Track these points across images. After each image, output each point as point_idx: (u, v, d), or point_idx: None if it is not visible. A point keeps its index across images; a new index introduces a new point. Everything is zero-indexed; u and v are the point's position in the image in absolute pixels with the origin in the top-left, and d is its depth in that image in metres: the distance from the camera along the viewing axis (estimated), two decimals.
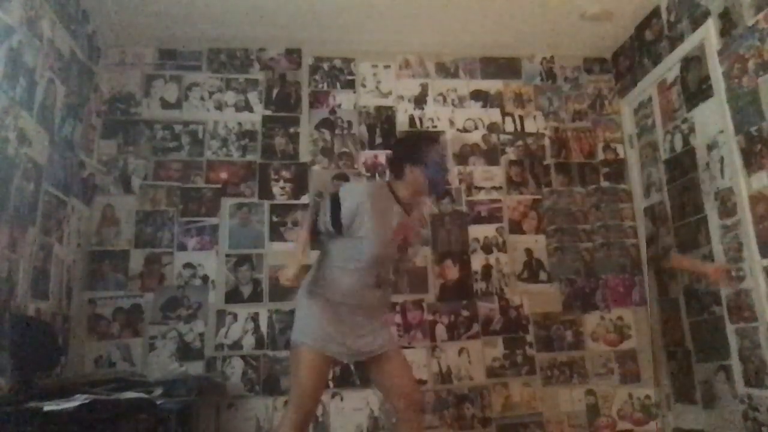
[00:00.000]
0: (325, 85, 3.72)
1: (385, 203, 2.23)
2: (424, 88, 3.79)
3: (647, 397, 3.40)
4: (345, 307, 2.20)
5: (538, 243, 3.60)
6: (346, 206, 2.16)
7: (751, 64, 2.62)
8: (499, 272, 3.50)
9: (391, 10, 3.38)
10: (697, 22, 3.04)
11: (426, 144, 2.32)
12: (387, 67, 3.79)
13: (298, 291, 2.30)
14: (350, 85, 3.74)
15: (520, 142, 3.77)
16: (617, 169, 3.81)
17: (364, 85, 3.74)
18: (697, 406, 3.04)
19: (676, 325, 3.19)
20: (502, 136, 3.77)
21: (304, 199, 3.47)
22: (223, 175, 3.46)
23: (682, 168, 3.20)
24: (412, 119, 3.71)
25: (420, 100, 3.76)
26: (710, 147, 2.98)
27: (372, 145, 3.64)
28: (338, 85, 3.73)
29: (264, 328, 3.24)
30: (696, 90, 3.10)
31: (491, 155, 3.72)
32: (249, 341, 3.21)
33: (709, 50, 2.92)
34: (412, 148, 2.31)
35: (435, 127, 3.71)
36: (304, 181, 3.51)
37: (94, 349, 3.09)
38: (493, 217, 3.60)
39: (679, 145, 3.25)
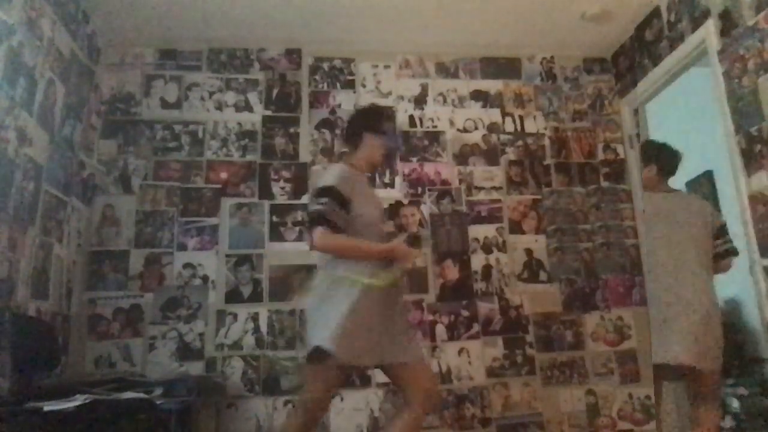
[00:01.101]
0: (325, 85, 3.72)
1: (359, 179, 2.26)
2: (424, 88, 3.79)
3: (647, 397, 3.39)
4: (381, 304, 2.10)
5: (538, 243, 3.60)
6: (345, 192, 2.12)
7: (751, 64, 2.62)
8: (499, 272, 3.50)
9: (391, 10, 3.38)
10: (697, 22, 3.04)
11: (384, 115, 2.39)
12: (387, 67, 3.79)
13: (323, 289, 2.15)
14: (350, 85, 3.73)
15: (520, 142, 3.77)
16: (617, 169, 3.81)
17: (364, 85, 3.74)
18: None
19: None
20: (502, 136, 3.77)
21: (305, 199, 3.46)
22: (223, 175, 3.46)
23: None
24: (412, 119, 3.71)
25: (420, 100, 3.76)
26: None
27: None
28: (338, 85, 3.73)
29: (264, 328, 3.24)
30: None
31: (491, 155, 3.72)
32: (249, 341, 3.21)
33: (709, 50, 2.93)
34: (371, 118, 2.36)
35: (435, 127, 3.71)
36: (304, 181, 3.51)
37: (94, 349, 3.09)
38: (493, 217, 3.60)
39: None
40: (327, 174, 2.24)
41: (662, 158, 2.77)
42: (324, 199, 2.08)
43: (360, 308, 2.04)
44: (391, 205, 3.49)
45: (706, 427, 2.47)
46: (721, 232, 2.65)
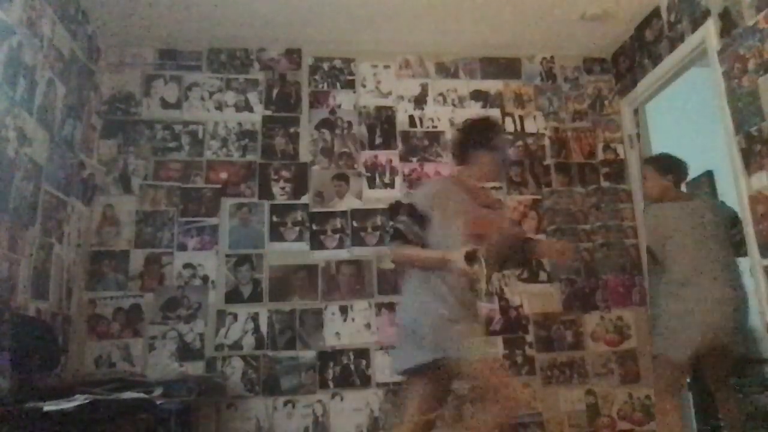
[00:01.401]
0: (325, 85, 3.72)
1: (451, 198, 2.24)
2: (424, 88, 3.79)
3: (647, 397, 3.39)
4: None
5: None
6: (423, 209, 2.19)
7: (751, 64, 2.62)
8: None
9: (391, 10, 3.38)
10: (697, 22, 3.04)
11: (495, 130, 2.39)
12: (387, 67, 3.79)
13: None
14: (350, 85, 3.73)
15: (520, 142, 3.77)
16: (617, 169, 3.81)
17: (364, 85, 3.74)
18: None
19: None
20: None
21: (304, 199, 3.47)
22: (223, 175, 3.46)
23: None
24: (412, 119, 3.71)
25: (420, 100, 3.76)
26: None
27: (372, 145, 3.64)
28: (338, 85, 3.73)
29: (264, 328, 3.24)
30: None
31: None
32: (249, 341, 3.21)
33: (709, 50, 2.92)
34: (483, 133, 2.35)
35: (435, 127, 3.71)
36: (304, 181, 3.51)
37: (94, 349, 3.09)
38: None
39: None
40: (416, 190, 2.41)
41: (678, 169, 2.98)
42: (401, 217, 2.24)
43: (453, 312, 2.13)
44: (391, 205, 3.51)
45: (732, 412, 2.73)
46: (736, 221, 2.82)
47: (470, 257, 2.04)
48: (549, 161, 3.77)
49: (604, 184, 3.77)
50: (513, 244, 2.45)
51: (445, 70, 3.85)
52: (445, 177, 2.39)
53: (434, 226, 2.20)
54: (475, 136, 2.36)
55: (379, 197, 3.54)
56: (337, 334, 3.28)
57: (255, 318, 3.25)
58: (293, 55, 3.73)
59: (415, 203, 2.24)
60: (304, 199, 3.47)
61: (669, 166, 3.00)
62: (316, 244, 3.41)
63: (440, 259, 2.12)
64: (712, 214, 2.83)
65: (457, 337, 2.06)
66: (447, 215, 2.20)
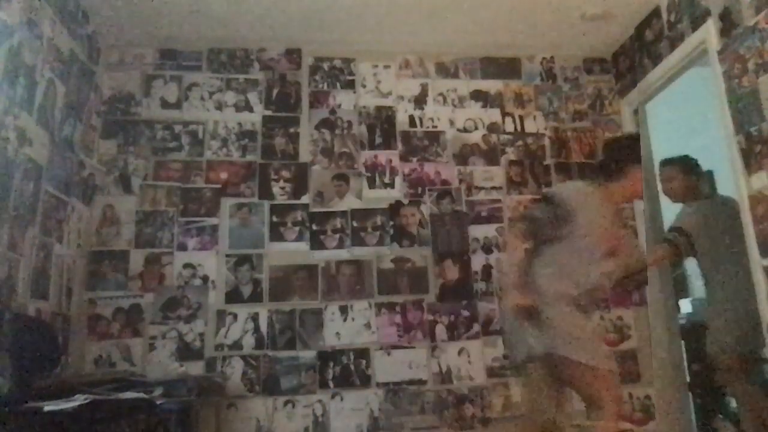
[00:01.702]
0: (325, 85, 3.72)
1: (599, 207, 2.20)
2: (424, 88, 3.79)
3: (647, 397, 3.39)
4: None
5: None
6: (564, 206, 2.14)
7: (751, 64, 2.62)
8: (499, 272, 3.50)
9: (391, 10, 3.38)
10: (697, 22, 3.04)
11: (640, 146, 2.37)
12: (387, 67, 3.79)
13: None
14: (350, 85, 3.73)
15: (520, 142, 3.77)
16: None
17: (364, 85, 3.74)
18: None
19: None
20: (502, 136, 3.77)
21: (304, 199, 3.47)
22: (223, 175, 3.46)
23: None
24: (412, 119, 3.71)
25: (420, 100, 3.76)
26: None
27: (372, 145, 3.64)
28: (338, 85, 3.73)
29: (264, 328, 3.24)
30: None
31: (491, 155, 3.72)
32: (249, 341, 3.21)
33: (709, 50, 2.92)
34: (634, 149, 2.32)
35: (435, 127, 3.72)
36: (304, 181, 3.51)
37: (94, 349, 3.09)
38: (493, 217, 3.60)
39: None
40: (563, 185, 2.45)
41: (700, 169, 3.08)
42: (540, 207, 2.20)
43: None
44: (391, 205, 3.51)
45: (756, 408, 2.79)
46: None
47: (527, 311, 1.98)
48: (549, 161, 3.77)
49: None
50: (638, 267, 2.46)
51: (445, 70, 3.85)
52: (596, 185, 2.32)
53: (572, 230, 2.12)
54: (629, 151, 2.31)
55: (379, 197, 3.54)
56: (337, 334, 3.28)
57: (255, 318, 3.25)
58: (293, 55, 3.73)
59: (561, 198, 2.16)
60: (304, 199, 3.47)
61: (692, 166, 3.08)
62: (316, 244, 3.41)
63: (513, 284, 2.09)
64: (733, 210, 2.88)
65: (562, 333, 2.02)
66: (588, 222, 2.13)
